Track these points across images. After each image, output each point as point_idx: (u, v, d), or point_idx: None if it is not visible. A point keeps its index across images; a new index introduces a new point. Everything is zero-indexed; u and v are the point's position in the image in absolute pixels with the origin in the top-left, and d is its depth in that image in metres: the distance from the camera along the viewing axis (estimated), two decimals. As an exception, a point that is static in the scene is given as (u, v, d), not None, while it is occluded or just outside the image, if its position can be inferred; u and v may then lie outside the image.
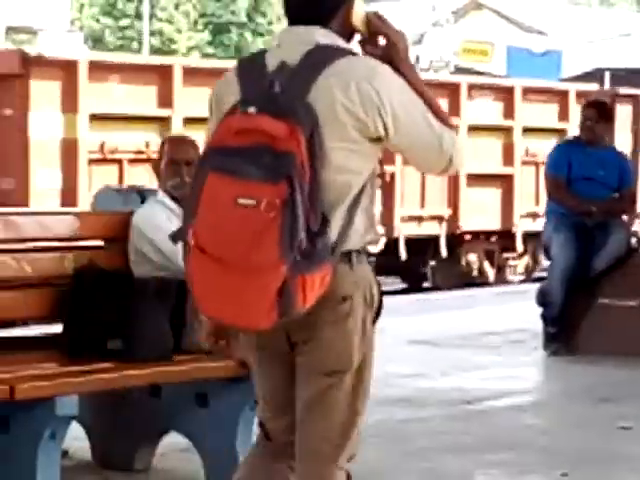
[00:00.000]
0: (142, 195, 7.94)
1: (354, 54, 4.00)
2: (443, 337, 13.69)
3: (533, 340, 13.15)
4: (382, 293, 4.30)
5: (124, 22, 58.11)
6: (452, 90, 21.68)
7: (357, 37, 4.19)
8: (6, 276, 7.27)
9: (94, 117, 20.06)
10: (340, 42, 3.97)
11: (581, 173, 13.00)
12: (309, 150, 4.02)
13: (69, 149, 19.12)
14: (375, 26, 4.08)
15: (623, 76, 35.93)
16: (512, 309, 15.85)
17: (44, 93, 18.88)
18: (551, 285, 13.07)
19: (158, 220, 7.31)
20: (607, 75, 36.98)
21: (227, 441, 7.24)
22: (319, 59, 4.16)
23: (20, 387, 6.17)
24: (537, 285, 17.92)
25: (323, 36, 4.08)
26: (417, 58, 44.89)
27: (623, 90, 29.57)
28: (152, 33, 57.49)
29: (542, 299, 13.31)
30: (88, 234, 8.01)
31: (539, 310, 13.28)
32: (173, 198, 7.63)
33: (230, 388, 7.25)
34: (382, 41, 4.11)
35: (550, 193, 13.88)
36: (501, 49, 41.39)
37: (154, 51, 50.55)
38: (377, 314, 4.15)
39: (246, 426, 7.29)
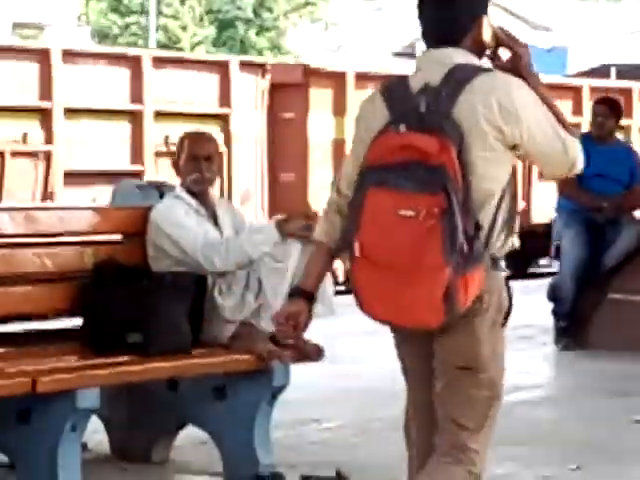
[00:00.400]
0: (160, 190, 7.93)
1: (489, 70, 4.26)
2: None
3: (542, 335, 13.21)
4: (511, 299, 4.43)
5: (131, 19, 58.78)
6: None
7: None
8: (27, 271, 7.39)
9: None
10: (474, 60, 4.23)
11: (592, 169, 12.96)
12: (459, 162, 4.23)
13: (338, 149, 20.81)
14: (501, 40, 4.36)
15: (629, 72, 35.96)
16: (519, 305, 15.34)
17: (320, 100, 20.94)
18: (562, 280, 13.06)
19: (176, 215, 7.41)
20: (613, 71, 37.10)
21: (244, 434, 7.30)
22: (459, 78, 4.37)
23: (42, 380, 6.23)
24: (542, 281, 18.40)
25: (459, 56, 4.28)
26: (415, 54, 45.35)
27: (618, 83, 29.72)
28: (157, 29, 57.89)
29: (553, 294, 13.28)
30: (107, 229, 8.04)
31: (547, 305, 13.34)
32: (192, 193, 7.69)
33: (247, 381, 7.31)
34: (505, 53, 4.35)
35: (561, 189, 13.87)
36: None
37: (160, 47, 50.75)
38: (505, 319, 4.34)
39: (263, 419, 7.41)
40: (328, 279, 7.71)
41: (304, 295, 5.10)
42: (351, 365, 9.07)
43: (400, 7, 58.07)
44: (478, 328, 4.12)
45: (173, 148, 18.54)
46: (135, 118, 18.99)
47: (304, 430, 8.42)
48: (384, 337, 12.41)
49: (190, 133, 8.44)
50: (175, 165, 7.96)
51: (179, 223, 7.40)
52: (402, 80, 4.65)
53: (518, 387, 10.83)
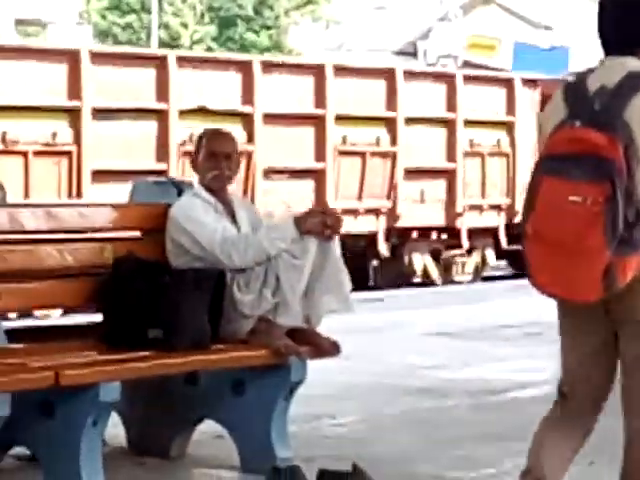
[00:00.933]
0: (179, 187, 7.99)
1: None
2: (461, 329, 13.84)
3: (549, 332, 13.01)
4: None
5: (131, 17, 57.70)
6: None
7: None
8: (48, 266, 7.45)
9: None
10: None
11: None
12: (626, 157, 4.58)
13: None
14: None
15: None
16: (526, 302, 15.49)
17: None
18: None
19: (195, 212, 7.48)
20: None
21: (262, 428, 7.39)
22: (633, 83, 4.75)
23: (65, 374, 6.29)
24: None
25: (635, 64, 4.68)
26: (425, 52, 45.26)
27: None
28: (160, 26, 57.82)
29: None
30: (127, 225, 8.24)
31: (552, 303, 13.29)
32: (210, 191, 7.77)
33: (266, 376, 7.43)
34: None
35: None
36: (508, 44, 41.42)
37: (162, 45, 50.76)
38: None
39: (280, 414, 7.52)
40: (346, 276, 8.03)
41: None
42: (364, 361, 9.05)
43: (402, 5, 58.06)
44: None
45: (477, 149, 20.72)
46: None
47: (319, 425, 8.45)
48: (395, 334, 12.60)
49: (209, 130, 8.50)
50: (193, 163, 8.13)
51: (198, 220, 7.46)
52: (580, 81, 5.03)
53: (528, 384, 11.00)
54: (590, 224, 4.72)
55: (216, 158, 7.76)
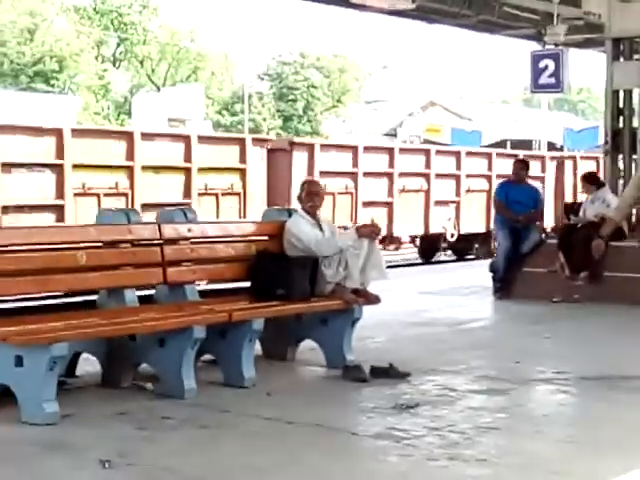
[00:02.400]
0: (289, 212, 8.21)
1: None
2: (438, 290, 13.73)
3: (485, 291, 12.99)
4: None
5: (234, 116, 58.74)
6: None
7: None
8: (220, 256, 7.75)
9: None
10: None
11: (513, 199, 12.87)
12: None
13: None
14: None
15: (517, 144, 36.05)
16: (470, 274, 15.67)
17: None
18: (498, 260, 13.00)
19: (301, 226, 7.71)
20: (508, 143, 37.00)
21: (338, 344, 7.60)
22: None
23: (234, 314, 6.66)
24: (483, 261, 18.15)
25: None
26: (396, 134, 45.68)
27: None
28: (250, 120, 58.35)
29: (492, 268, 13.16)
30: (262, 233, 8.34)
31: (489, 274, 13.26)
32: (308, 213, 7.89)
33: (339, 315, 7.64)
34: None
35: (497, 209, 13.78)
36: (447, 129, 40.87)
37: (250, 131, 50.81)
38: None
39: (348, 336, 7.73)
40: (380, 252, 8.38)
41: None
42: (385, 308, 8.69)
43: (388, 108, 58.57)
44: None
45: (210, 191, 16.95)
46: (186, 171, 16.72)
47: (366, 342, 8.49)
48: (397, 293, 12.54)
49: (309, 179, 8.83)
50: (299, 197, 8.21)
51: (302, 230, 7.68)
52: None
53: (476, 319, 11.11)
54: None
55: (311, 194, 7.98)
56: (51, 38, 42.14)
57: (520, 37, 17.62)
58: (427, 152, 20.99)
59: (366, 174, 18.83)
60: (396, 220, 20.55)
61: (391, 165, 19.57)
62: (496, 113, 50.88)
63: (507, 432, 5.72)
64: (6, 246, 6.33)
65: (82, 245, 6.85)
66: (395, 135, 43.97)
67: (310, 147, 18.23)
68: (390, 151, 20.06)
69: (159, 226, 7.19)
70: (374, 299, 7.82)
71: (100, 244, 6.94)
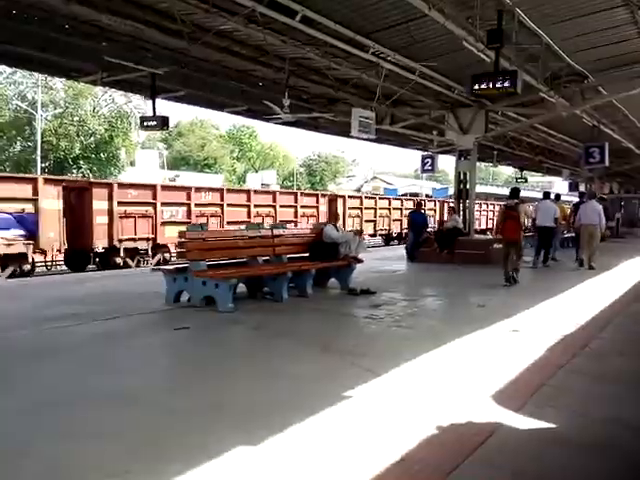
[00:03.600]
0: (324, 224, 8.61)
1: None
2: (383, 257, 13.92)
3: (401, 259, 13.31)
4: None
5: (290, 183, 55.26)
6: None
7: None
8: (297, 242, 8.30)
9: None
10: None
11: (415, 219, 13.58)
12: None
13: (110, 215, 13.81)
14: None
15: (412, 195, 36.59)
16: (396, 250, 15.24)
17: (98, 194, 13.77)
18: (409, 243, 13.38)
19: (329, 229, 8.37)
20: (408, 194, 38.41)
21: (345, 279, 8.31)
22: None
23: (303, 267, 7.57)
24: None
25: None
26: (360, 191, 46.80)
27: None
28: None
29: (406, 248, 13.55)
30: (313, 232, 8.59)
31: (404, 251, 13.54)
32: (333, 225, 8.37)
33: (345, 268, 8.37)
34: None
35: (408, 224, 14.31)
36: (382, 189, 43.25)
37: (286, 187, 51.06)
38: None
39: (349, 276, 8.26)
40: (363, 241, 8.58)
41: None
42: (364, 265, 9.04)
43: (355, 179, 59.49)
44: None
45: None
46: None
47: (356, 280, 8.48)
48: (369, 259, 11.18)
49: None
50: (329, 217, 8.58)
51: (330, 231, 8.36)
52: None
53: (399, 270, 11.51)
54: None
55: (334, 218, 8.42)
56: (211, 149, 47.69)
57: (415, 149, 19.65)
58: (221, 190, 16.82)
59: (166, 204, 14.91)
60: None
61: (188, 198, 15.46)
62: (402, 180, 53.51)
63: (418, 316, 6.46)
64: (209, 237, 7.07)
65: (240, 237, 7.72)
66: (360, 191, 46.27)
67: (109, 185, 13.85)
68: (188, 189, 15.63)
69: (272, 230, 7.94)
70: (360, 260, 8.48)
71: (247, 237, 7.65)
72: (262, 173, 47.04)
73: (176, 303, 6.70)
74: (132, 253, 14.21)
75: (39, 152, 30.27)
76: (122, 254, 14.08)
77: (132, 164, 37.18)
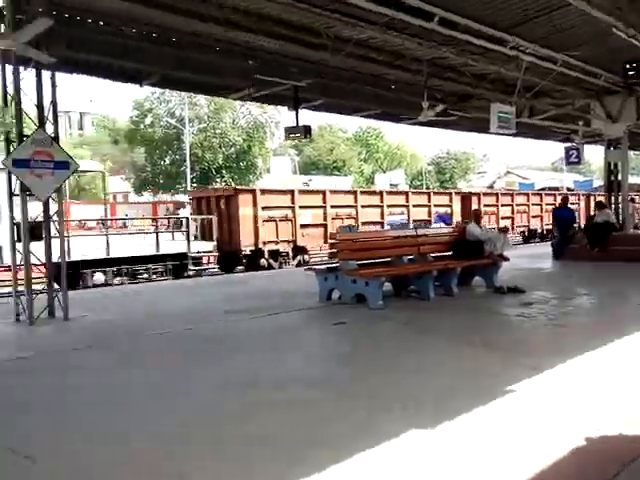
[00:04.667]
0: (466, 222, 8.58)
1: None
2: (527, 254, 12.87)
3: (546, 257, 12.51)
4: None
5: (419, 183, 52.96)
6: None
7: None
8: (439, 241, 8.34)
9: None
10: None
11: (559, 214, 12.88)
12: None
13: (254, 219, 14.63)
14: None
15: (551, 189, 34.97)
16: (537, 248, 14.07)
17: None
18: (556, 240, 12.56)
19: (472, 227, 8.34)
20: (547, 189, 35.65)
21: (491, 277, 8.25)
22: None
23: (449, 265, 7.66)
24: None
25: None
26: (492, 187, 44.78)
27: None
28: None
29: (552, 245, 12.78)
30: (455, 231, 8.76)
31: (548, 248, 12.81)
32: (477, 223, 8.37)
33: (492, 266, 8.27)
34: None
35: (554, 219, 13.62)
36: (517, 185, 41.12)
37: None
38: None
39: (495, 274, 8.24)
40: (508, 238, 8.43)
41: None
42: (509, 264, 8.64)
43: (487, 175, 56.88)
44: None
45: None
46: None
47: (501, 277, 8.32)
48: (514, 257, 10.12)
49: (476, 209, 9.04)
50: (473, 216, 8.26)
51: (474, 230, 8.31)
52: None
53: (546, 268, 11.04)
54: None
55: (477, 216, 8.46)
56: (340, 152, 48.91)
57: (555, 140, 18.75)
58: (355, 192, 17.53)
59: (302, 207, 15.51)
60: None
61: (324, 201, 16.04)
62: (538, 174, 50.43)
63: (575, 314, 6.37)
64: (358, 238, 7.47)
65: (383, 238, 8.14)
66: (492, 187, 43.52)
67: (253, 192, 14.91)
68: (323, 193, 16.33)
69: (415, 230, 8.16)
70: (506, 259, 8.37)
71: (393, 237, 7.97)
72: (390, 173, 46.81)
73: (329, 301, 7.03)
74: (275, 255, 14.78)
75: (188, 164, 32.97)
76: (266, 256, 14.92)
77: (268, 171, 39.04)
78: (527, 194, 23.45)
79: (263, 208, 14.64)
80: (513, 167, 58.62)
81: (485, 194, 21.66)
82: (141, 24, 8.10)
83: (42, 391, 3.78)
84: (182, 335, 5.47)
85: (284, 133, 11.77)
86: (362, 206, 16.77)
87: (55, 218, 6.37)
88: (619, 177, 12.88)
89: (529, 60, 9.82)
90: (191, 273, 13.17)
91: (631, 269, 10.06)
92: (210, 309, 6.78)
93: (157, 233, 13.38)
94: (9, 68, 6.09)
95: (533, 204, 22.60)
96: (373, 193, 18.44)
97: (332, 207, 16.10)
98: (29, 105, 6.20)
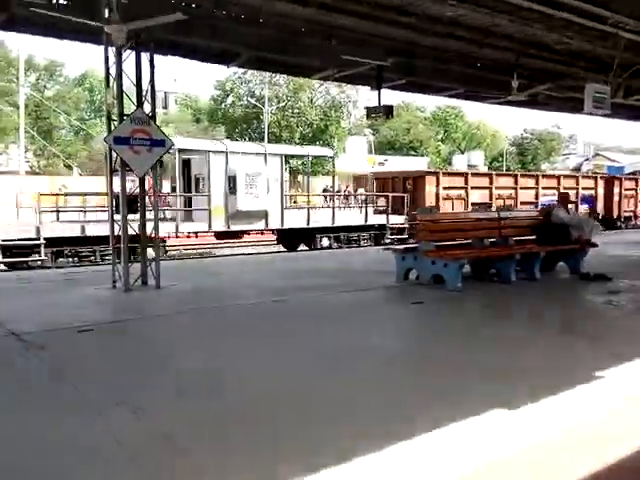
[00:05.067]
0: (548, 205, 8.17)
1: None
2: (616, 242, 12.27)
3: None
4: None
5: (499, 164, 51.28)
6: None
7: None
8: (522, 224, 8.03)
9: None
10: None
11: None
12: None
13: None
14: None
15: None
16: (630, 234, 13.17)
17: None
18: None
19: (559, 211, 8.12)
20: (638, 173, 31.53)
21: (575, 265, 7.98)
22: None
23: (533, 249, 7.50)
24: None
25: None
26: (579, 170, 42.38)
27: None
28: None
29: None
30: (539, 214, 8.30)
31: None
32: (563, 206, 8.09)
33: (578, 251, 7.94)
34: None
35: None
36: (605, 167, 39.08)
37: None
38: None
39: (581, 260, 7.96)
40: (597, 223, 8.07)
41: None
42: (597, 250, 8.36)
43: (573, 158, 54.06)
44: None
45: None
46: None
47: (588, 263, 8.08)
48: (605, 242, 10.44)
49: (562, 193, 8.67)
50: (558, 199, 8.26)
51: (559, 213, 8.08)
52: None
53: (633, 255, 10.04)
54: None
55: (564, 200, 8.31)
56: (417, 132, 47.44)
57: None
58: (515, 176, 19.66)
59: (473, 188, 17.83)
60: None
61: (490, 182, 18.19)
62: (631, 157, 47.27)
63: None
64: (439, 219, 7.56)
65: (463, 219, 8.12)
66: (579, 170, 41.59)
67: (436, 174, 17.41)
68: (489, 175, 18.88)
69: (498, 213, 8.09)
70: (594, 245, 8.14)
71: (472, 220, 8.09)
72: (468, 154, 45.16)
73: (405, 280, 7.07)
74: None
75: (266, 142, 33.59)
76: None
77: (344, 150, 39.00)
78: (620, 179, 23.43)
79: (444, 188, 17.04)
80: (602, 149, 54.80)
81: (627, 178, 22.99)
82: (230, 5, 8.17)
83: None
84: (272, 307, 5.71)
85: (365, 113, 11.70)
86: (521, 187, 18.77)
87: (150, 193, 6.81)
88: None
89: (628, 37, 9.19)
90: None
91: None
92: (285, 285, 7.03)
93: (366, 207, 15.43)
94: (111, 50, 6.38)
95: (626, 189, 22.49)
96: (530, 176, 20.39)
97: (497, 188, 18.22)
98: (128, 85, 6.45)
